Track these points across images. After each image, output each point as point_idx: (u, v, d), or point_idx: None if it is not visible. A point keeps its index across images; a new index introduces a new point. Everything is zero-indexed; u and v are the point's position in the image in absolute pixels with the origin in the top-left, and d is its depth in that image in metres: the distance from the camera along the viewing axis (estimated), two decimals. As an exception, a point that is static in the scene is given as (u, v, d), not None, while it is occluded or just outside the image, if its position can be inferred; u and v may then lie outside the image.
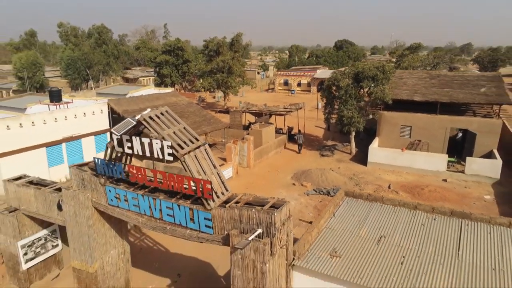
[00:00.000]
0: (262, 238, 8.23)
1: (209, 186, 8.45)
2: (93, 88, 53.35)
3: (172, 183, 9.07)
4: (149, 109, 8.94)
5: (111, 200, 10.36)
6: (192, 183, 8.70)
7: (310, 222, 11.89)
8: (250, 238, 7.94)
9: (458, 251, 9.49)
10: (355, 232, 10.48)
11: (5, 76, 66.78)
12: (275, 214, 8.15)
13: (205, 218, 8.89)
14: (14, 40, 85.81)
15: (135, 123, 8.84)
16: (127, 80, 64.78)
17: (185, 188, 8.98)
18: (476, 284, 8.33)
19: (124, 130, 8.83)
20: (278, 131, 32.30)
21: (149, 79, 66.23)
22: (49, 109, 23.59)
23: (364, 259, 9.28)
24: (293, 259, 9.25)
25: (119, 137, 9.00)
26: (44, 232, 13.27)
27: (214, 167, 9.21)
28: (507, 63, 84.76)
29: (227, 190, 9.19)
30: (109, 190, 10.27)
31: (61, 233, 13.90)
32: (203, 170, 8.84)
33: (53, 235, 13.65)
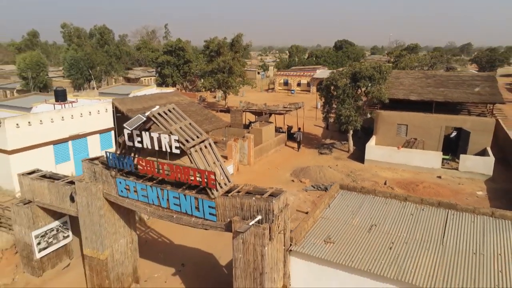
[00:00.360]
0: (261, 224, 8.99)
1: (213, 177, 9.22)
2: (95, 88, 54.14)
3: (178, 175, 9.84)
4: (157, 106, 9.71)
5: (121, 191, 11.13)
6: (197, 174, 9.46)
7: (307, 213, 12.64)
8: (250, 223, 8.72)
9: (443, 237, 10.25)
10: (348, 221, 11.24)
11: (8, 76, 67.56)
12: (274, 201, 8.93)
13: (209, 207, 9.67)
14: (14, 41, 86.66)
15: (145, 119, 9.61)
16: (128, 80, 65.53)
17: (191, 179, 9.74)
18: (457, 266, 9.09)
19: (135, 125, 9.61)
20: (278, 130, 33.07)
21: (150, 79, 67.00)
22: (54, 109, 24.34)
23: (356, 245, 10.05)
24: (290, 245, 10.01)
25: (130, 132, 9.77)
26: (56, 223, 14.06)
27: (217, 159, 9.98)
28: (505, 63, 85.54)
29: (229, 181, 9.96)
30: (120, 182, 11.05)
31: (72, 224, 14.69)
32: (207, 162, 9.61)
33: (64, 227, 14.43)
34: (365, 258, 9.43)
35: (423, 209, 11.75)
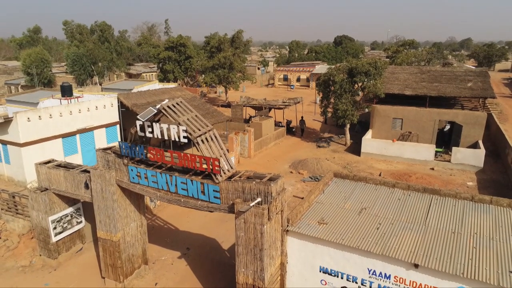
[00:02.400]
0: (261, 205, 10.03)
1: (217, 163, 10.24)
2: (97, 84, 55.07)
3: (186, 162, 10.86)
4: (167, 100, 10.70)
5: (133, 178, 12.15)
6: (203, 161, 10.48)
7: (302, 198, 13.68)
8: (251, 205, 9.75)
9: (426, 219, 11.29)
10: (340, 205, 12.28)
11: (11, 72, 68.50)
12: (272, 185, 9.96)
13: (214, 190, 10.70)
14: (15, 37, 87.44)
15: (156, 111, 10.61)
16: (130, 76, 66.42)
17: (197, 166, 10.75)
18: (437, 243, 10.14)
19: (148, 117, 10.61)
20: (277, 124, 34.10)
21: (152, 74, 67.87)
22: (61, 104, 25.29)
23: (346, 225, 11.08)
24: (287, 225, 11.05)
25: (142, 123, 10.77)
26: (70, 209, 15.11)
27: (221, 148, 10.99)
28: (503, 58, 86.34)
29: (231, 168, 10.98)
30: (131, 170, 12.07)
31: (84, 211, 15.75)
32: (212, 150, 10.62)
33: (77, 213, 15.49)
34: (354, 236, 10.47)
35: (409, 195, 12.79)
